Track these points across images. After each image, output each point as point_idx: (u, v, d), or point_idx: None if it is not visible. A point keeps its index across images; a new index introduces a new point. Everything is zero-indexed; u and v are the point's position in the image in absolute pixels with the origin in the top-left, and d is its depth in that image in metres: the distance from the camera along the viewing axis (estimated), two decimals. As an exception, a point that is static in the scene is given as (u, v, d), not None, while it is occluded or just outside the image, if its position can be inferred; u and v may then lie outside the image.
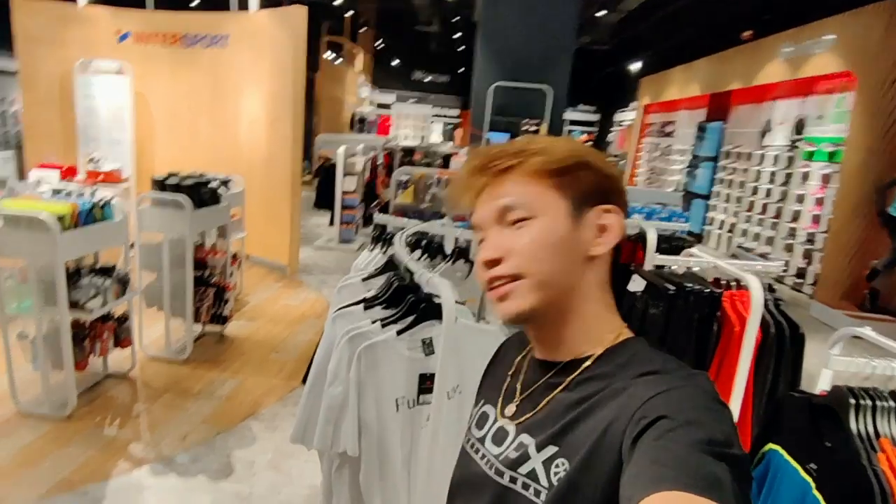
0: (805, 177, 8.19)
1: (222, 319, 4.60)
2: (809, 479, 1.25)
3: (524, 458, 0.77)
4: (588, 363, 0.79)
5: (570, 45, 8.46)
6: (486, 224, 0.81)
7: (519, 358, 0.93)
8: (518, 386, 0.87)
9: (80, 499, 2.70)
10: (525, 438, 0.79)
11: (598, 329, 0.81)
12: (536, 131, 8.59)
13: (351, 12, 15.40)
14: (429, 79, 22.36)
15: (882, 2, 6.52)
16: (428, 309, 1.79)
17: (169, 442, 3.22)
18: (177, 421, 3.44)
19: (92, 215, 3.49)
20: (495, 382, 0.94)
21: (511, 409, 0.85)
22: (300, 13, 6.27)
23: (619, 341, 0.80)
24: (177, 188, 4.17)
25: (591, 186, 0.79)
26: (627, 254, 3.96)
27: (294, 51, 6.33)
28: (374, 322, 1.79)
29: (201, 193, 4.31)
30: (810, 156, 8.07)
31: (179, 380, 3.96)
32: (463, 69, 20.54)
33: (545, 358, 0.84)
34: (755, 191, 9.45)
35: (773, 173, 8.94)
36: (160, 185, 4.20)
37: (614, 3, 13.27)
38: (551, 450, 0.74)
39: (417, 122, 21.41)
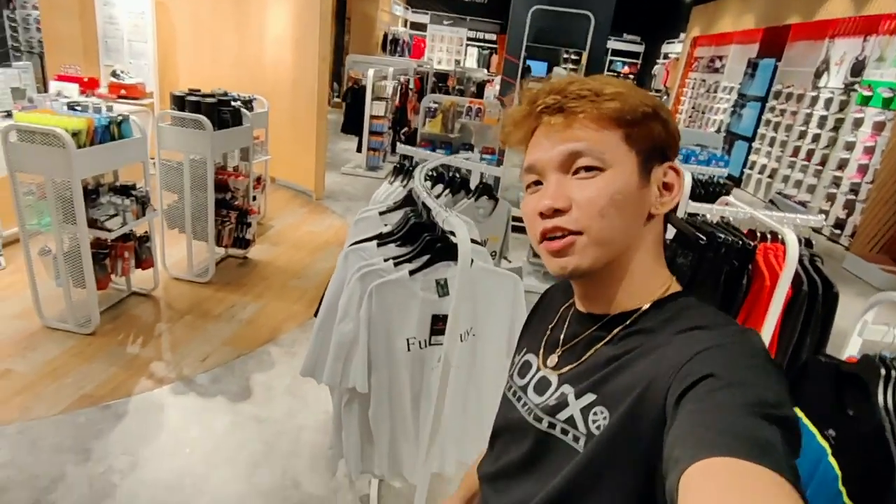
0: (857, 123, 7.84)
1: (245, 243, 4.64)
2: (826, 445, 1.23)
3: (563, 405, 0.77)
4: (633, 317, 0.78)
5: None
6: (547, 168, 0.77)
7: (563, 308, 0.92)
8: (561, 337, 0.87)
9: (102, 413, 2.81)
10: (566, 388, 0.79)
11: (647, 283, 0.79)
12: (577, 61, 8.28)
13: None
14: (466, -1, 21.58)
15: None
16: (443, 249, 1.77)
17: (190, 362, 3.32)
18: (198, 342, 3.54)
19: (109, 132, 3.49)
20: (538, 332, 0.94)
21: (553, 359, 0.85)
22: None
23: (668, 295, 0.79)
24: (197, 107, 4.14)
25: (660, 141, 0.77)
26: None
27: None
28: (387, 260, 1.77)
29: (222, 113, 4.27)
30: (865, 101, 7.68)
31: (201, 301, 4.05)
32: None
33: (590, 311, 0.83)
34: (802, 135, 9.10)
35: (823, 117, 8.58)
36: (180, 102, 4.17)
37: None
38: (590, 397, 0.74)
39: (452, 46, 20.85)
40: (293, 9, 6.48)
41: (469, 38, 21.00)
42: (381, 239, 1.92)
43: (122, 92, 6.28)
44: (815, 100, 8.92)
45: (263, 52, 6.76)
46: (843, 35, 8.56)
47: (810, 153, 8.78)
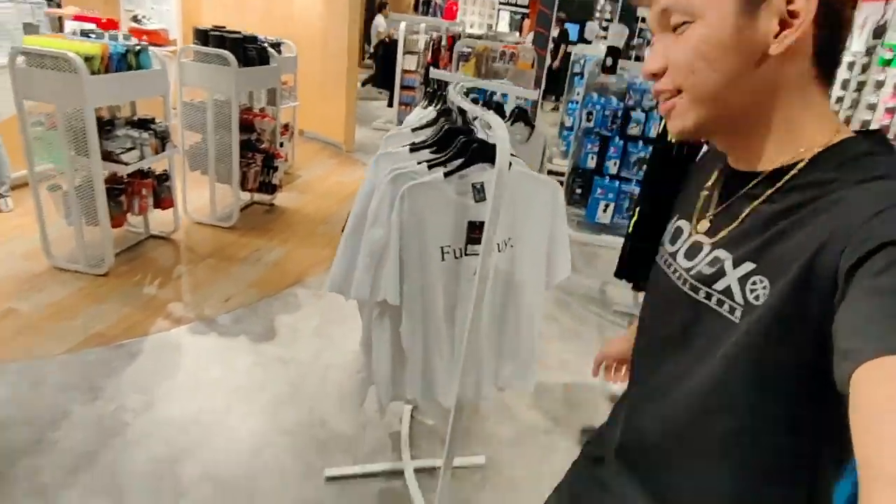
0: (878, 85, 7.63)
1: (271, 188, 4.40)
2: None
3: (720, 273, 0.70)
4: (795, 171, 0.67)
5: None
6: (653, 28, 0.73)
7: (717, 170, 0.82)
8: (714, 198, 0.79)
9: (114, 352, 2.62)
10: (721, 253, 0.72)
11: (802, 133, 0.68)
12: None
13: None
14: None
15: None
16: (480, 150, 1.56)
17: (211, 303, 3.11)
18: (220, 284, 3.32)
19: (126, 61, 3.26)
20: (690, 196, 0.85)
21: (705, 224, 0.78)
22: None
23: (836, 141, 0.66)
24: (222, 42, 3.89)
25: None
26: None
27: None
28: (420, 163, 1.57)
29: (248, 51, 4.01)
30: (887, 62, 7.54)
31: (224, 245, 3.84)
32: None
33: (744, 168, 0.74)
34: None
35: (846, 80, 8.22)
36: (203, 37, 3.92)
37: None
38: (748, 266, 0.67)
39: (485, 10, 20.31)
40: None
41: (501, 2, 20.43)
42: (415, 145, 1.71)
43: (144, 38, 6.01)
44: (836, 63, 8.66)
45: (293, 3, 6.46)
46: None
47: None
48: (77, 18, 5.54)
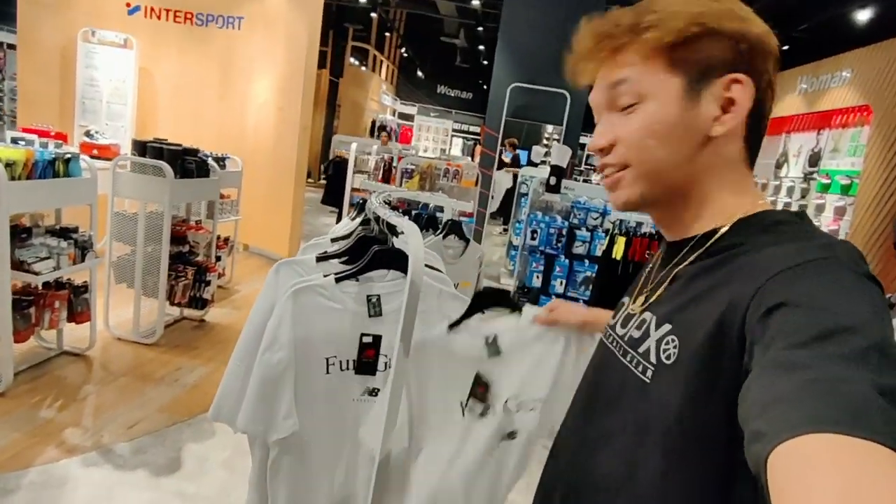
0: (819, 209, 8.00)
1: (201, 303, 4.11)
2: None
3: (645, 335, 0.72)
4: (716, 237, 0.70)
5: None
6: (598, 108, 0.76)
7: (658, 253, 0.84)
8: (651, 274, 0.81)
9: (-15, 488, 2.21)
10: (647, 315, 0.74)
11: (727, 204, 0.71)
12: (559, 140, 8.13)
13: (375, 15, 15.07)
14: (452, 94, 22.07)
15: (898, 37, 6.34)
16: (386, 257, 1.39)
17: (113, 429, 2.73)
18: (128, 407, 2.95)
19: (53, 169, 3.06)
20: (638, 277, 0.87)
21: (640, 299, 0.78)
22: (316, 1, 6.01)
23: (756, 213, 0.70)
24: (159, 153, 3.74)
25: (718, 56, 0.68)
26: (642, 250, 3.47)
27: (308, 38, 6.02)
28: (326, 276, 1.36)
29: (187, 163, 3.87)
30: (825, 188, 7.92)
31: (142, 363, 3.48)
32: (486, 87, 20.25)
33: (674, 238, 0.78)
34: (768, 221, 9.18)
35: (787, 203, 8.68)
36: (141, 147, 3.77)
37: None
38: (666, 327, 0.68)
39: (438, 136, 21.14)
40: (277, 81, 6.30)
41: (454, 130, 21.37)
42: (322, 256, 1.51)
43: (94, 152, 5.87)
44: (777, 188, 9.18)
45: (245, 121, 6.50)
46: (798, 130, 8.95)
47: (778, 237, 8.87)
48: (25, 131, 5.38)
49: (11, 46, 9.37)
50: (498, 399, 1.32)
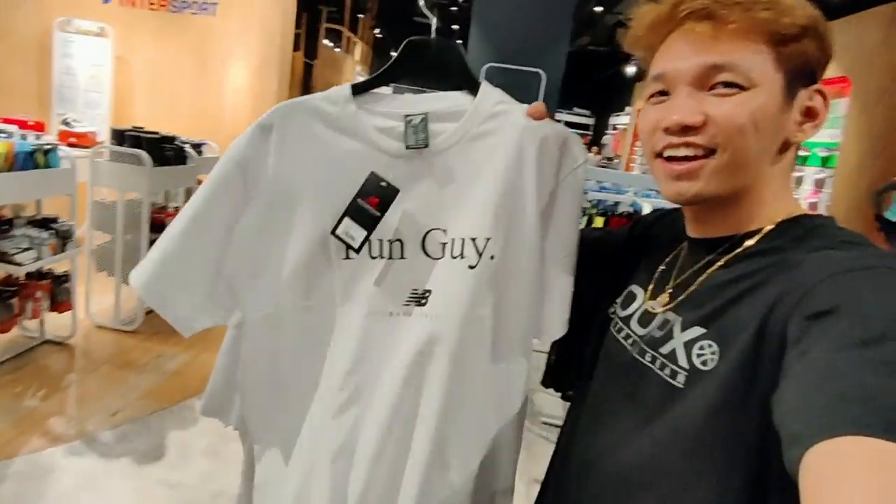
0: (798, 182, 7.85)
1: (183, 290, 4.07)
2: None
3: (668, 336, 0.68)
4: (753, 240, 0.66)
5: (565, 30, 7.95)
6: (679, 80, 0.66)
7: (679, 248, 0.77)
8: (674, 271, 0.74)
9: (-30, 479, 2.20)
10: (670, 315, 0.69)
11: (770, 206, 0.67)
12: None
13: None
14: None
15: (878, 7, 6.24)
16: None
17: (97, 418, 2.71)
18: (111, 395, 2.93)
19: (33, 160, 3.00)
20: (649, 263, 0.80)
21: (664, 297, 0.72)
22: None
23: (796, 216, 0.67)
24: (137, 142, 3.67)
25: (812, 61, 0.65)
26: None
27: (283, 22, 5.91)
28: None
29: (165, 150, 3.81)
30: (804, 160, 7.74)
31: (124, 351, 3.45)
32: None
33: (703, 236, 0.72)
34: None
35: None
36: (119, 136, 3.71)
37: (613, 3, 12.80)
38: (697, 331, 0.64)
39: (414, 118, 20.98)
40: (253, 63, 6.21)
41: (432, 111, 21.26)
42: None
43: (72, 140, 5.75)
44: None
45: (223, 106, 6.38)
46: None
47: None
48: (4, 121, 5.24)
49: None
50: (393, 231, 0.83)
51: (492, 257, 0.81)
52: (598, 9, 13.38)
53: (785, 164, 0.68)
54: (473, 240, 0.81)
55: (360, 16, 18.06)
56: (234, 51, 6.28)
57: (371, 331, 0.83)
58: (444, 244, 0.83)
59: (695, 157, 0.64)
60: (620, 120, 17.72)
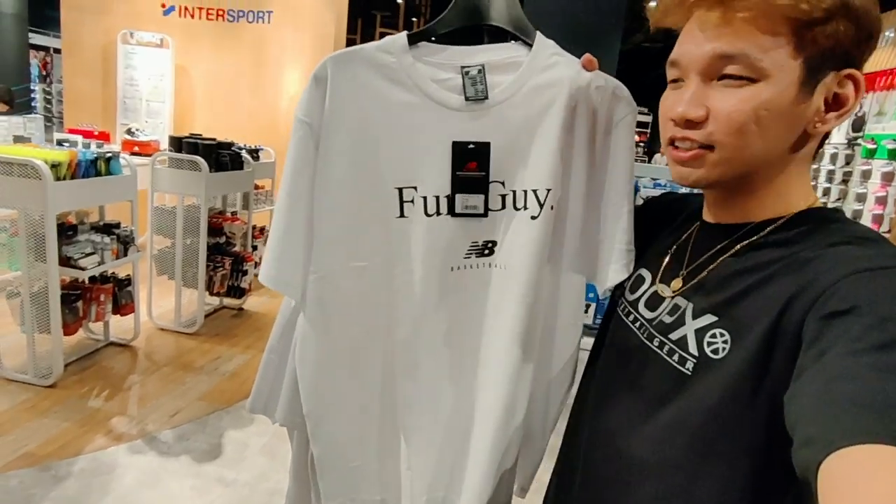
0: (865, 175, 7.51)
1: (240, 292, 4.15)
2: None
3: (679, 322, 0.66)
4: (768, 230, 0.64)
5: (618, 27, 7.79)
6: (689, 68, 0.64)
7: (690, 223, 0.76)
8: (685, 257, 0.73)
9: (39, 475, 2.27)
10: (681, 301, 0.68)
11: (789, 198, 0.65)
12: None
13: (402, 1, 14.96)
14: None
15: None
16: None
17: (157, 418, 2.78)
18: (170, 396, 3.00)
19: (95, 168, 3.10)
20: (660, 247, 0.79)
21: (677, 282, 0.71)
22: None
23: (813, 207, 0.65)
24: (195, 148, 3.76)
25: (841, 44, 0.58)
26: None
27: (336, 28, 6.02)
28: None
29: (221, 156, 3.89)
30: (871, 153, 7.44)
31: (183, 353, 3.53)
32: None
33: (718, 221, 0.71)
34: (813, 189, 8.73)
35: (831, 171, 8.21)
36: (177, 143, 3.81)
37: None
38: (709, 318, 0.63)
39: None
40: (308, 69, 6.26)
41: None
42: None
43: (135, 149, 5.98)
44: (820, 155, 8.63)
45: (278, 112, 6.51)
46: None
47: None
48: (71, 132, 5.51)
49: (58, 51, 9.56)
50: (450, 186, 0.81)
51: (552, 207, 0.82)
52: (652, 4, 13.08)
53: (804, 154, 0.65)
54: (535, 191, 0.81)
55: (414, 20, 18.23)
56: (289, 57, 6.42)
57: (435, 287, 0.84)
58: (504, 196, 0.83)
59: (695, 147, 0.64)
60: (678, 117, 17.36)
